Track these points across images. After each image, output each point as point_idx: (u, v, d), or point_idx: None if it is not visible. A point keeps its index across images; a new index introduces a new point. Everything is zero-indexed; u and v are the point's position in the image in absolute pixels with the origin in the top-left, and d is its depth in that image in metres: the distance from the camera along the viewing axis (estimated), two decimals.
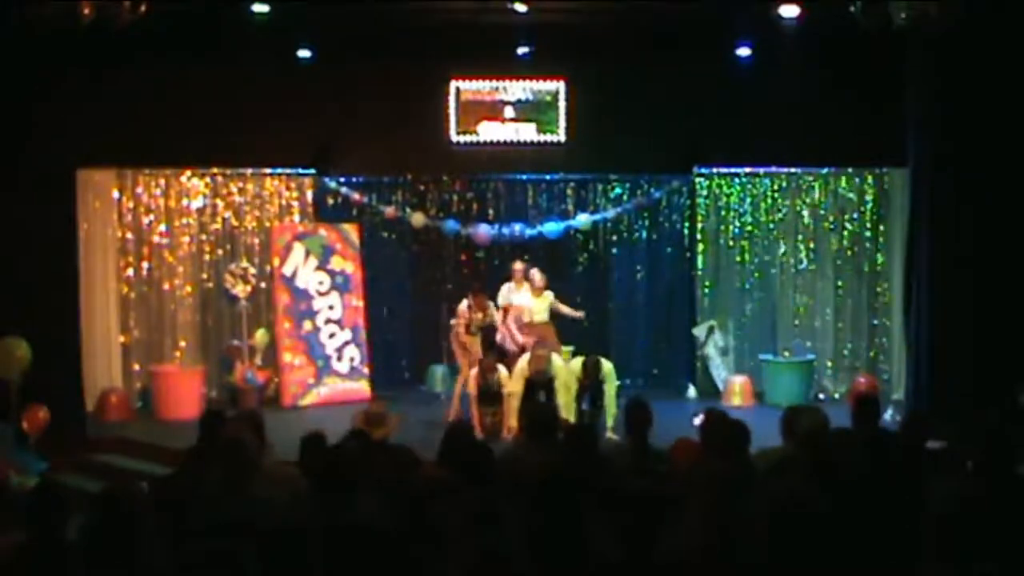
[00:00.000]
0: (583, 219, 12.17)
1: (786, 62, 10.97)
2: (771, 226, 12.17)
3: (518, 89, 12.23)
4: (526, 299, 10.52)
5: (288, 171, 12.05)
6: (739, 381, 11.52)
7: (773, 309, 12.23)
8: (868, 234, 11.96)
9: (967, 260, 9.28)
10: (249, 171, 11.95)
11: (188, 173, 11.83)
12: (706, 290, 12.22)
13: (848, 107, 11.11)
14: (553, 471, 4.32)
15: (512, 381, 9.42)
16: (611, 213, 12.25)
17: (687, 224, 12.30)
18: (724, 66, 11.46)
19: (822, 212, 12.07)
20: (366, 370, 11.79)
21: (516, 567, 3.62)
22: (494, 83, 12.23)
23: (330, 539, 3.63)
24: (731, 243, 12.22)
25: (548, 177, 12.36)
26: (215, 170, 11.90)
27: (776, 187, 12.15)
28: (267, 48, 10.97)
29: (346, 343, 11.69)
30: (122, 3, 8.92)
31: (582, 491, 3.96)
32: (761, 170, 12.08)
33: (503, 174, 12.34)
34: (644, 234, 12.41)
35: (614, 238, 12.42)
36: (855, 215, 12.00)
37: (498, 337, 10.35)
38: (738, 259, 12.22)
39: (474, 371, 9.69)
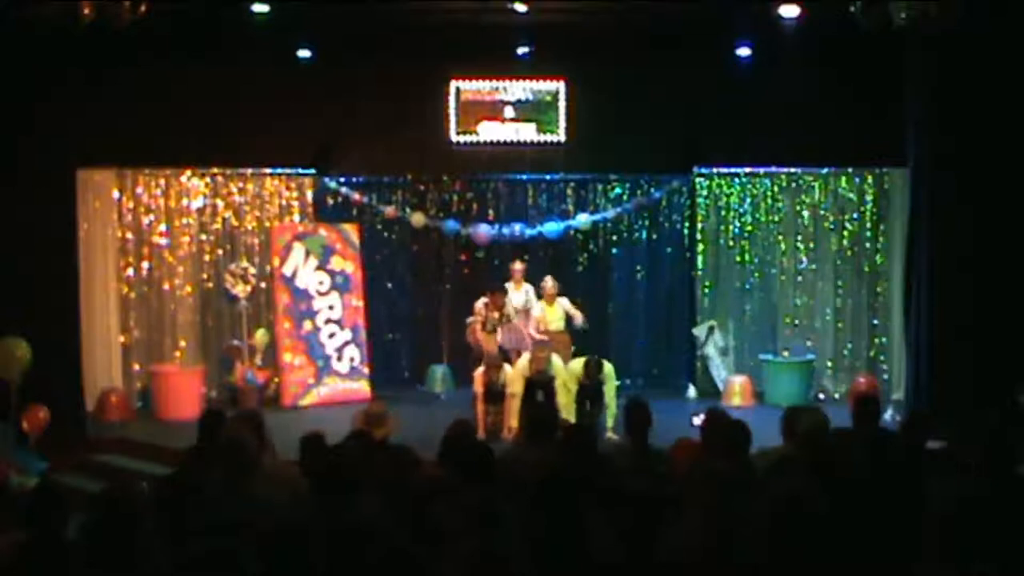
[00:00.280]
0: (583, 219, 12.17)
1: (786, 62, 10.98)
2: (771, 226, 12.15)
3: (518, 89, 12.22)
4: (539, 309, 10.61)
5: (288, 171, 12.04)
6: (739, 381, 11.50)
7: (773, 309, 12.21)
8: (868, 234, 11.93)
9: (967, 260, 9.28)
10: (249, 171, 11.94)
11: (188, 173, 11.82)
12: (706, 290, 12.21)
13: (848, 107, 11.09)
14: (553, 471, 4.33)
15: (512, 381, 9.42)
16: (611, 213, 12.24)
17: (687, 224, 12.29)
18: (724, 66, 11.44)
19: (822, 212, 12.05)
20: (366, 370, 11.78)
21: (516, 567, 3.62)
22: (494, 83, 12.22)
23: (331, 539, 3.63)
24: (731, 243, 12.20)
25: (548, 177, 12.35)
26: (215, 170, 11.88)
27: (776, 187, 12.12)
28: (267, 48, 10.97)
29: (346, 343, 11.68)
30: (122, 3, 8.91)
31: (582, 491, 3.97)
32: (761, 170, 12.06)
33: (503, 174, 12.32)
34: (644, 234, 12.39)
35: (614, 238, 12.40)
36: (855, 215, 11.98)
37: (499, 337, 10.35)
38: (738, 259, 12.20)
39: (481, 369, 9.69)
